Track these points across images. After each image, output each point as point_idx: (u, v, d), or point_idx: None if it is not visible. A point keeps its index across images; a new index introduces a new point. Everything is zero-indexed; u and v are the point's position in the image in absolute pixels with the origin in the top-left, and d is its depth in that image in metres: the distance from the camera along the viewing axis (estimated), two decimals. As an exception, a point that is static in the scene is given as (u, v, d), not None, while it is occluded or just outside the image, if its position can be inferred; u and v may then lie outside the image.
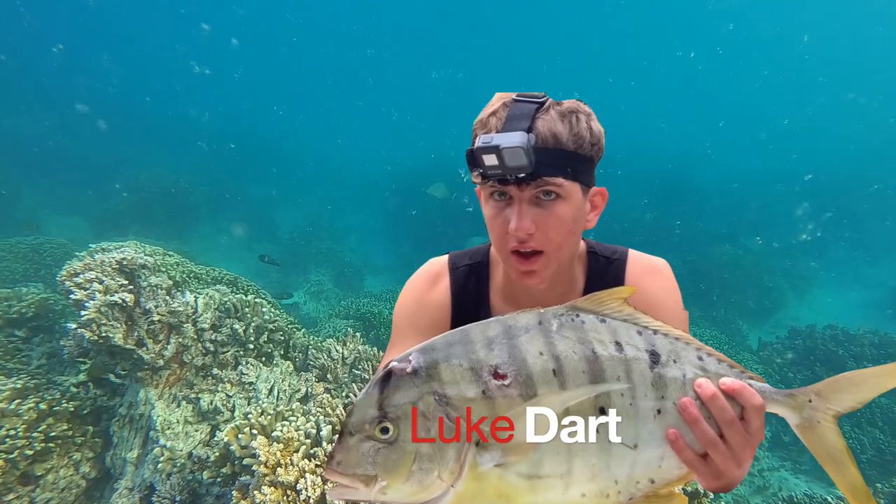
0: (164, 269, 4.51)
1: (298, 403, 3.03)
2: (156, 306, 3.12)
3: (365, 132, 34.44)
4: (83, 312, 2.86)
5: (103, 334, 2.90)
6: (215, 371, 3.37)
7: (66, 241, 10.23)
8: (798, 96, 35.51)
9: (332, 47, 42.19)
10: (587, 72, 43.33)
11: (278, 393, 3.38)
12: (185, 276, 4.71)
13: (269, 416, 2.58)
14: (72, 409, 3.22)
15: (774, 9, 35.88)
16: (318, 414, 2.59)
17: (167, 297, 3.19)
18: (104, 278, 3.05)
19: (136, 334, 3.04)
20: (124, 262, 3.19)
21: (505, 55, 42.51)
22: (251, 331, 3.57)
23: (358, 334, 3.93)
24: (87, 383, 3.37)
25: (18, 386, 3.28)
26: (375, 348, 3.76)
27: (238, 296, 3.70)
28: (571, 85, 42.75)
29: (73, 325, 2.92)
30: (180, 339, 3.26)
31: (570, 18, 38.57)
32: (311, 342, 4.08)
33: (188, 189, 16.23)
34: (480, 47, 42.04)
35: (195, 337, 3.39)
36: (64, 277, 3.12)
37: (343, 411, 2.55)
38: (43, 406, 3.14)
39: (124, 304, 2.94)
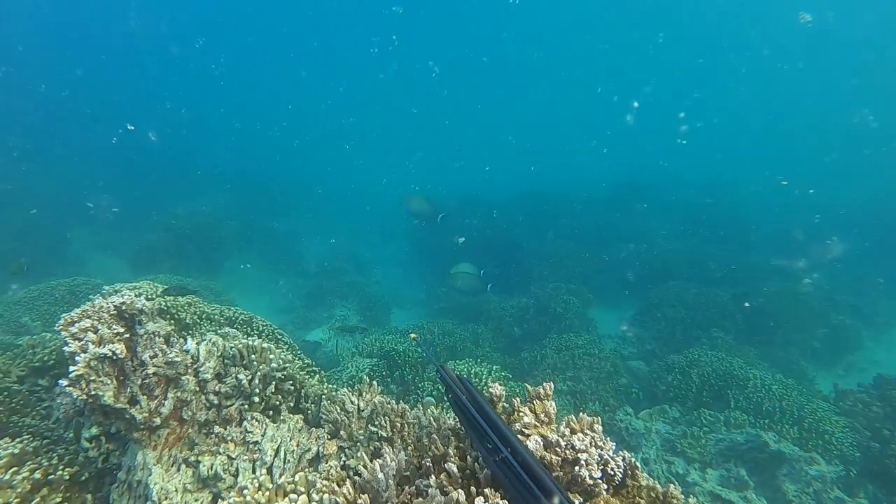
0: (172, 312, 4.25)
1: (303, 473, 2.67)
2: (152, 357, 2.82)
3: (394, 162, 34.66)
4: (71, 368, 2.58)
5: (93, 392, 2.60)
6: (217, 429, 3.04)
7: (102, 282, 10.24)
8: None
9: (356, 81, 42.94)
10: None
11: (285, 455, 3.02)
12: (196, 317, 4.44)
13: (268, 492, 2.23)
14: (67, 478, 2.92)
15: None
16: (324, 491, 2.23)
17: (164, 346, 2.89)
18: (100, 326, 2.77)
19: (129, 390, 2.73)
20: (123, 308, 2.91)
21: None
22: (257, 381, 3.24)
23: (375, 382, 3.56)
24: (99, 437, 3.08)
25: (17, 451, 3.00)
26: (393, 401, 3.38)
27: (245, 341, 3.39)
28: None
29: (65, 383, 2.62)
30: (179, 394, 2.95)
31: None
32: (326, 391, 3.73)
33: (217, 225, 16.31)
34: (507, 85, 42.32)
35: (196, 389, 3.08)
36: (61, 327, 2.84)
37: (350, 490, 2.19)
38: (38, 475, 2.85)
39: (115, 357, 2.64)
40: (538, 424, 2.25)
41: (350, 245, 19.18)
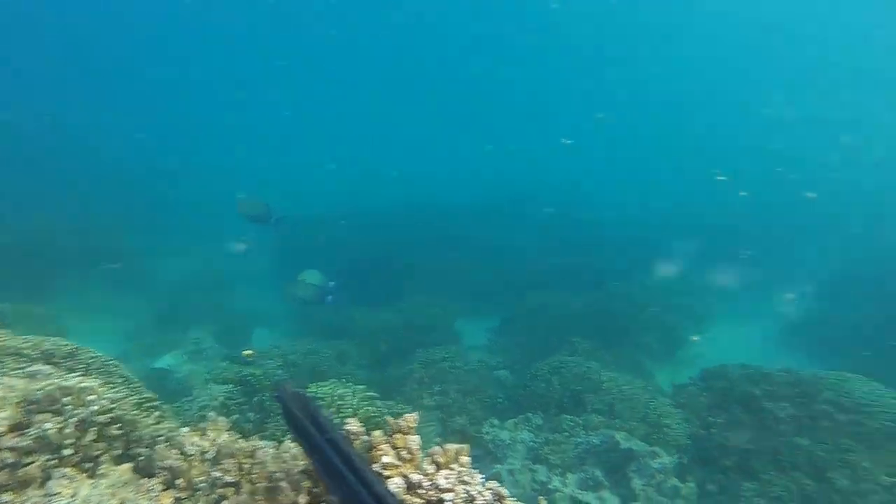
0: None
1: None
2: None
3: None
4: None
5: None
6: (4, 498, 2.53)
7: None
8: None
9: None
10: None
11: (103, 516, 2.58)
12: (-2, 354, 3.76)
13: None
14: None
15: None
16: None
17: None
18: None
19: None
20: None
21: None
22: (71, 429, 2.76)
23: (221, 418, 3.19)
24: None
25: None
26: (242, 439, 3.05)
27: (57, 381, 2.89)
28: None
29: None
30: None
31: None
32: (164, 431, 3.30)
33: (52, 240, 14.50)
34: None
35: (-16, 447, 2.55)
36: None
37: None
38: None
39: None
40: (399, 463, 2.07)
41: (211, 260, 17.89)
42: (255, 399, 6.51)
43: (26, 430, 2.72)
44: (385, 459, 2.10)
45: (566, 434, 6.72)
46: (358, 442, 2.29)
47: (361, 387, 6.00)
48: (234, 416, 6.73)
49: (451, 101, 44.29)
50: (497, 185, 25.24)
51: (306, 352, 8.83)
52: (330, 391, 5.96)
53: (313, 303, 10.31)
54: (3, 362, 3.71)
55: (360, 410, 5.65)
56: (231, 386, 6.84)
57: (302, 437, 1.97)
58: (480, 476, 2.13)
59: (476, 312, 13.46)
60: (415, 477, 2.04)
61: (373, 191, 25.94)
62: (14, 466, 2.60)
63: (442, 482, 2.00)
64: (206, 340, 11.06)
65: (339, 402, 5.81)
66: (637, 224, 19.29)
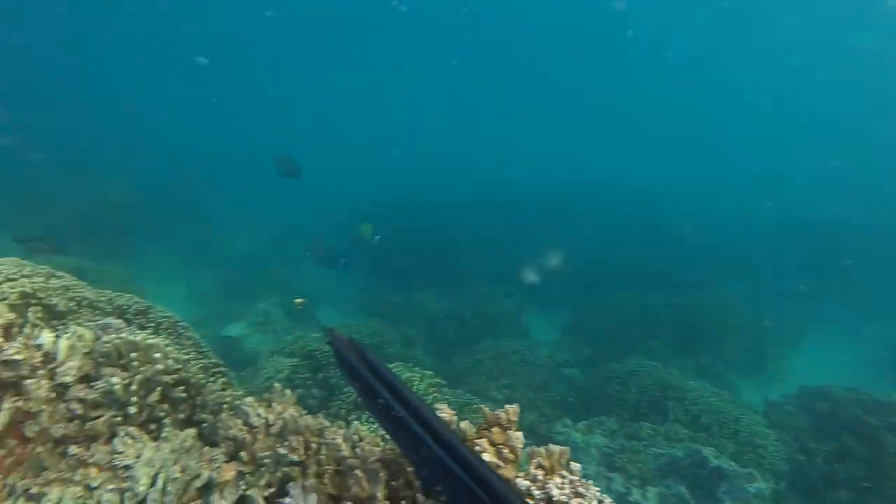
0: (41, 297, 3.48)
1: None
2: (-20, 354, 2.11)
3: (334, 151, 33.54)
4: None
5: None
6: (74, 450, 2.35)
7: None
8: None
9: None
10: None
11: (164, 484, 2.37)
12: (74, 304, 3.66)
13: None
14: None
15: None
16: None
17: (2, 340, 2.18)
18: None
19: (-63, 398, 2.02)
20: (-50, 287, 2.18)
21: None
22: (136, 386, 2.57)
23: (289, 391, 2.95)
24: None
25: None
26: (309, 416, 2.79)
27: (124, 335, 2.71)
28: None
29: None
30: (21, 403, 2.24)
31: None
32: (228, 399, 3.08)
33: (134, 207, 15.03)
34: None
35: (52, 397, 2.39)
36: None
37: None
38: None
39: (-86, 353, 1.92)
40: (501, 463, 1.72)
41: (280, 237, 18.17)
42: (321, 375, 6.35)
43: (94, 383, 2.56)
44: (484, 457, 1.76)
45: (644, 443, 6.22)
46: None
47: (429, 373, 5.71)
48: (299, 391, 6.62)
49: (532, 93, 43.40)
50: (572, 178, 24.48)
51: (372, 332, 8.66)
52: (396, 373, 5.68)
53: (326, 264, 10.24)
54: (78, 313, 3.62)
55: (429, 397, 5.35)
56: (297, 360, 6.72)
57: (356, 379, 1.81)
58: (596, 489, 1.75)
59: (545, 306, 13.00)
60: (521, 482, 1.68)
61: (441, 178, 25.72)
62: (82, 419, 2.44)
63: (555, 492, 1.64)
64: (274, 313, 11.12)
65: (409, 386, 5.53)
66: (727, 228, 18.25)
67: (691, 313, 10.66)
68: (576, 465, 1.84)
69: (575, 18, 35.82)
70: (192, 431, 2.75)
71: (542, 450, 1.86)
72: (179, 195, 18.33)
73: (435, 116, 44.26)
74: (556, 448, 1.87)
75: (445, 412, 1.96)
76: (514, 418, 1.96)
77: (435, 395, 5.41)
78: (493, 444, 1.87)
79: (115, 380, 2.54)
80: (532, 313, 12.43)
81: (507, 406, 1.99)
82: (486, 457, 1.74)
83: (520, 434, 1.90)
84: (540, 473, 1.75)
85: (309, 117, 42.07)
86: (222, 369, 4.30)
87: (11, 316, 2.29)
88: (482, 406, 2.09)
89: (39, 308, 3.41)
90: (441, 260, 14.39)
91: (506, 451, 1.81)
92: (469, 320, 10.36)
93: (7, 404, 2.19)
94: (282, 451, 2.59)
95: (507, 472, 1.76)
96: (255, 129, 35.01)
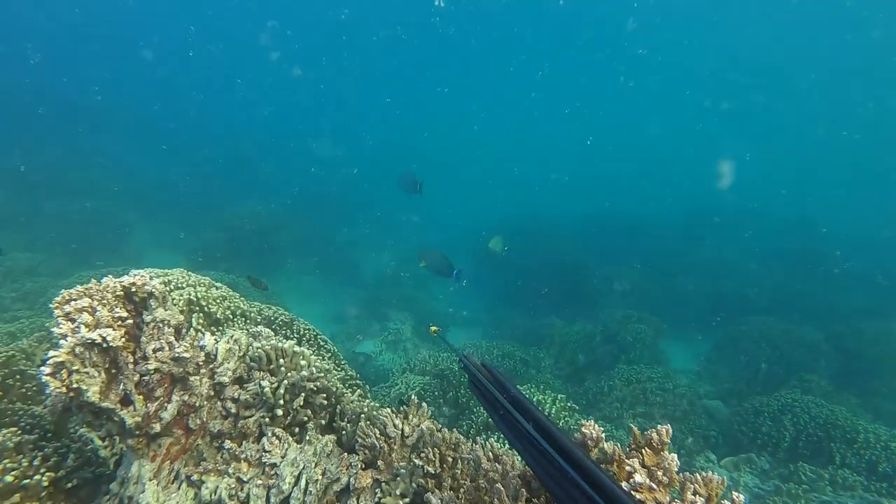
0: (202, 304, 3.80)
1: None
2: (156, 350, 2.31)
3: (462, 180, 34.27)
4: (51, 353, 2.10)
5: (74, 385, 2.10)
6: (228, 444, 2.51)
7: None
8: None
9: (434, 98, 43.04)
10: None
11: (307, 484, 2.45)
12: (229, 313, 3.97)
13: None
14: (46, 483, 2.45)
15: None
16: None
17: (173, 339, 2.38)
18: (98, 308, 2.29)
19: (121, 388, 2.23)
20: (132, 289, 2.43)
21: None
22: (283, 390, 2.70)
23: (425, 405, 2.95)
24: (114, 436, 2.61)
25: (10, 444, 2.56)
26: (445, 429, 2.77)
27: (274, 342, 2.87)
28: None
29: (45, 371, 2.13)
30: (187, 397, 2.43)
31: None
32: (366, 409, 3.15)
33: (275, 230, 16.21)
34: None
35: (210, 394, 2.57)
36: (55, 304, 2.37)
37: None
38: (10, 478, 2.38)
39: (106, 345, 2.14)
40: (654, 487, 1.57)
41: (411, 259, 18.75)
42: (451, 394, 6.36)
43: (246, 385, 2.73)
44: (637, 479, 1.61)
45: (805, 487, 5.52)
46: (594, 451, 1.84)
47: (562, 396, 5.51)
48: (430, 409, 6.72)
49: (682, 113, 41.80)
50: (711, 200, 23.01)
51: (502, 354, 8.57)
52: (528, 396, 5.55)
53: (441, 273, 10.21)
54: (233, 320, 3.91)
55: (561, 421, 5.15)
56: (428, 378, 6.80)
57: (488, 401, 1.75)
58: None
59: (683, 333, 12.21)
60: (679, 510, 1.53)
61: (570, 199, 25.28)
62: (236, 417, 2.60)
63: (720, 524, 1.47)
64: (405, 332, 11.42)
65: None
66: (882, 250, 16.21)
67: (856, 345, 9.42)
68: (739, 497, 1.64)
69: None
70: (332, 437, 2.84)
71: (698, 477, 1.69)
72: (320, 215, 19.58)
73: (567, 138, 43.85)
74: (714, 477, 1.69)
75: (593, 429, 1.84)
76: (667, 439, 1.80)
77: (567, 418, 5.21)
78: (644, 465, 1.73)
79: (265, 383, 2.69)
80: (668, 339, 11.73)
81: (659, 426, 1.83)
82: (638, 478, 1.60)
83: (674, 456, 1.74)
84: (699, 500, 1.58)
85: (438, 140, 43.41)
86: (358, 382, 4.44)
87: (182, 318, 2.50)
88: (632, 425, 1.94)
89: (201, 315, 3.73)
90: (570, 282, 14.05)
91: (658, 473, 1.65)
92: (600, 345, 9.94)
93: (176, 397, 2.38)
94: (418, 462, 2.59)
95: (661, 496, 1.60)
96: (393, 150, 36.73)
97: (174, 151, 23.75)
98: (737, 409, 7.72)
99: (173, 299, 3.59)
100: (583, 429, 1.85)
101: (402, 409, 3.03)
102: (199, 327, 3.68)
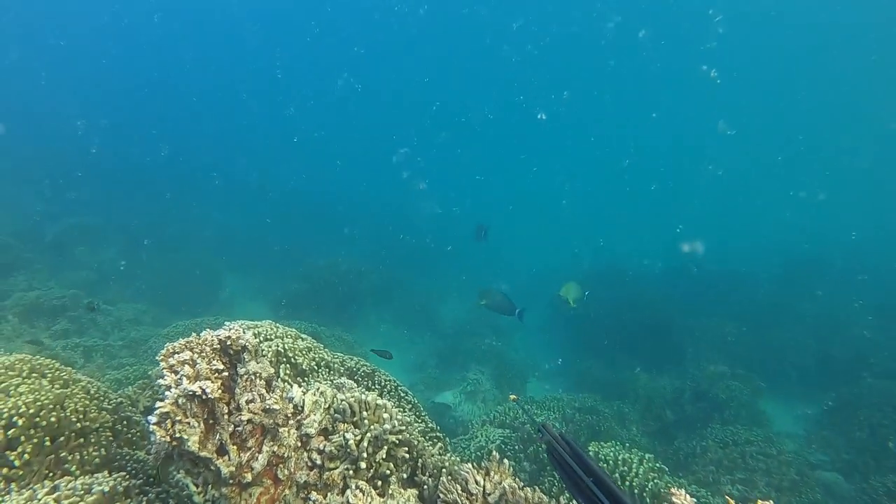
0: (290, 356, 3.96)
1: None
2: (248, 402, 2.43)
3: (538, 225, 34.13)
4: (158, 404, 2.25)
5: (177, 435, 2.24)
6: (314, 496, 2.56)
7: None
8: None
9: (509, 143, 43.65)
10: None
11: (390, 541, 2.45)
12: (314, 364, 4.11)
13: None
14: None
15: None
16: None
17: (264, 391, 2.50)
18: (198, 360, 2.44)
19: (217, 438, 2.35)
20: (228, 342, 2.59)
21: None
22: (366, 443, 2.74)
23: (507, 461, 2.91)
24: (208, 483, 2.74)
25: (107, 489, 2.73)
26: (528, 489, 2.71)
27: (357, 394, 2.93)
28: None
29: (152, 420, 2.29)
30: (276, 448, 2.52)
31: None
32: (447, 463, 3.13)
33: (355, 279, 16.63)
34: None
35: (297, 445, 2.65)
36: (161, 357, 2.56)
37: None
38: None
39: (205, 397, 2.27)
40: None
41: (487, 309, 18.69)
42: (531, 449, 6.21)
43: (331, 436, 2.79)
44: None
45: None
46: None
47: (649, 455, 5.25)
48: (510, 464, 6.56)
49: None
50: (815, 246, 21.70)
51: (584, 409, 8.28)
52: (612, 454, 5.34)
53: (503, 312, 9.94)
54: (317, 371, 4.04)
55: (649, 483, 4.90)
56: (508, 431, 6.68)
57: (568, 477, 1.80)
58: None
59: (782, 394, 11.38)
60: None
61: (658, 253, 24.55)
62: (321, 469, 2.66)
63: None
64: (484, 383, 11.29)
65: (623, 469, 5.16)
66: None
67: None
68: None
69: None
70: (413, 492, 2.84)
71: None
72: (399, 265, 19.98)
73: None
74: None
75: (685, 499, 1.75)
76: (769, 515, 1.69)
77: (655, 480, 4.94)
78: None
79: (349, 435, 2.75)
80: (766, 400, 10.96)
81: (760, 501, 1.72)
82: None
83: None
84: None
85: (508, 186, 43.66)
86: (439, 434, 4.43)
87: (272, 370, 2.62)
88: (728, 497, 1.84)
89: (288, 366, 3.88)
90: (656, 334, 13.49)
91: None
92: (690, 402, 9.41)
93: (266, 447, 2.47)
94: (499, 521, 2.54)
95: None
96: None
97: (259, 205, 25.22)
98: (862, 485, 7.05)
99: (262, 351, 3.75)
100: (673, 499, 1.77)
101: (483, 464, 3.00)
102: (287, 378, 3.83)
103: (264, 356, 3.74)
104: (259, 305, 16.26)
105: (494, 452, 3.06)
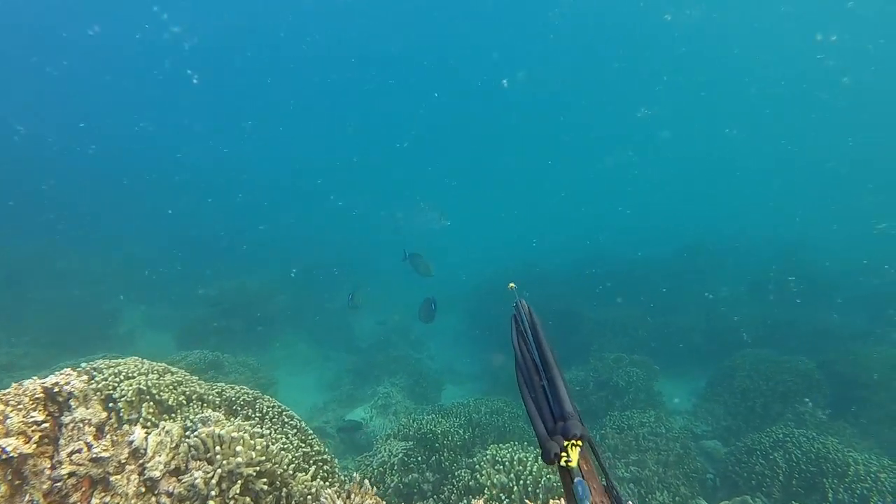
0: (153, 393, 3.77)
1: None
2: (70, 454, 2.29)
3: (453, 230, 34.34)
4: (-42, 467, 2.07)
5: (-20, 498, 2.07)
6: (156, 543, 2.45)
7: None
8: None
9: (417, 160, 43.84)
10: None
11: (234, 579, 2.38)
12: (183, 399, 3.93)
13: None
14: None
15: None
16: None
17: (92, 439, 2.36)
18: (12, 414, 2.28)
19: (26, 499, 2.19)
20: (55, 390, 2.43)
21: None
22: (215, 480, 2.65)
23: (367, 482, 2.89)
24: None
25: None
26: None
27: (210, 428, 2.83)
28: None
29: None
30: (108, 499, 2.38)
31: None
32: (315, 488, 3.08)
33: (266, 301, 16.17)
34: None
35: (141, 491, 2.52)
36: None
37: None
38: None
39: (6, 457, 2.12)
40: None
41: (405, 319, 18.61)
42: (434, 458, 6.24)
43: (182, 476, 2.68)
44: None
45: (799, 528, 5.34)
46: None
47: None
48: (413, 475, 6.53)
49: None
50: (701, 234, 23.09)
51: (492, 411, 8.39)
52: (509, 455, 5.46)
53: (419, 272, 10.46)
54: (186, 406, 3.87)
55: (542, 479, 5.05)
56: (412, 443, 6.67)
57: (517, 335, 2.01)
58: None
59: (680, 371, 12.05)
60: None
61: (564, 247, 25.39)
62: (164, 515, 2.55)
63: None
64: (395, 395, 11.22)
65: (518, 468, 5.28)
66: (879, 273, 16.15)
67: (850, 371, 9.25)
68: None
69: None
70: (273, 524, 2.78)
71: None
72: (311, 282, 19.57)
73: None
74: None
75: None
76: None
77: (549, 476, 5.09)
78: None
79: (198, 474, 2.64)
80: (666, 378, 11.57)
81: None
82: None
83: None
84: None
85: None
86: (325, 457, 4.34)
87: (104, 415, 2.48)
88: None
89: (152, 403, 3.69)
90: (564, 328, 13.92)
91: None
92: (593, 391, 9.76)
93: (96, 500, 2.34)
94: (352, 544, 2.52)
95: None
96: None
97: (160, 229, 24.07)
98: (733, 448, 7.55)
99: (121, 390, 3.55)
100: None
101: (345, 487, 2.97)
102: (151, 417, 3.64)
103: (123, 396, 3.55)
104: (164, 335, 15.41)
105: (356, 474, 3.04)
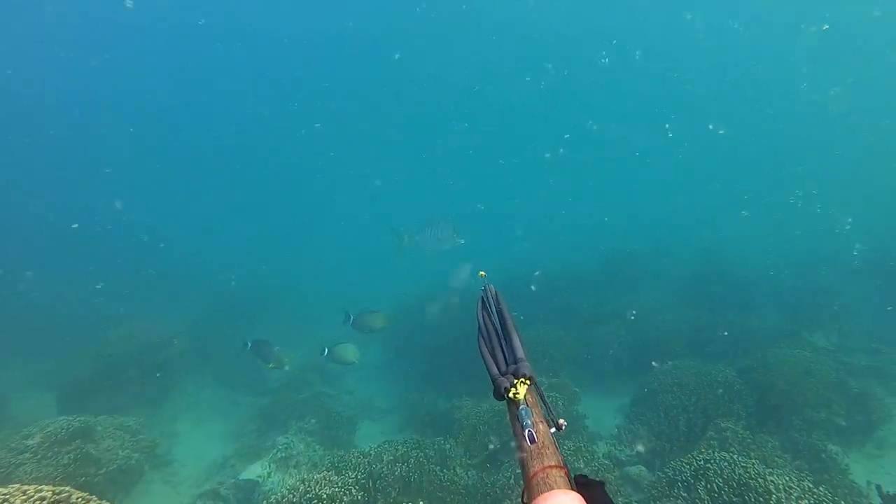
0: None
1: None
2: None
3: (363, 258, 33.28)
4: None
5: None
6: None
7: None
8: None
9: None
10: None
11: None
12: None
13: None
14: None
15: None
16: None
17: None
18: None
19: None
20: None
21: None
22: None
23: None
24: None
25: None
26: None
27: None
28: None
29: None
30: None
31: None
32: None
33: (161, 346, 14.65)
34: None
35: None
36: None
37: None
38: None
39: None
40: None
41: (317, 357, 17.29)
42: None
43: None
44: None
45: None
46: None
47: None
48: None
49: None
50: (622, 243, 23.17)
51: (396, 458, 7.53)
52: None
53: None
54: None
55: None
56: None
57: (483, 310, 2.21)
58: None
59: (606, 389, 11.66)
60: None
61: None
62: None
63: None
64: (297, 445, 10.06)
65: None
66: (796, 272, 16.54)
67: (766, 378, 9.02)
68: None
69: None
70: None
71: None
72: (216, 319, 18.12)
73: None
74: None
75: None
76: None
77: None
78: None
79: None
80: (592, 398, 11.12)
81: None
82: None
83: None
84: None
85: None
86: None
87: None
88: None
89: None
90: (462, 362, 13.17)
91: None
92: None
93: None
94: None
95: None
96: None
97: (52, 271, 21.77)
98: (657, 476, 7.04)
99: None
100: None
101: None
102: None
103: None
104: (47, 395, 13.61)
105: None
